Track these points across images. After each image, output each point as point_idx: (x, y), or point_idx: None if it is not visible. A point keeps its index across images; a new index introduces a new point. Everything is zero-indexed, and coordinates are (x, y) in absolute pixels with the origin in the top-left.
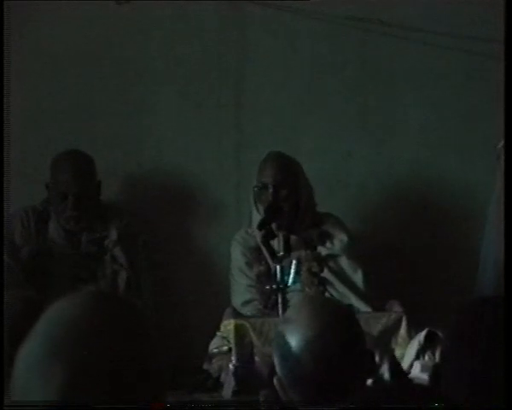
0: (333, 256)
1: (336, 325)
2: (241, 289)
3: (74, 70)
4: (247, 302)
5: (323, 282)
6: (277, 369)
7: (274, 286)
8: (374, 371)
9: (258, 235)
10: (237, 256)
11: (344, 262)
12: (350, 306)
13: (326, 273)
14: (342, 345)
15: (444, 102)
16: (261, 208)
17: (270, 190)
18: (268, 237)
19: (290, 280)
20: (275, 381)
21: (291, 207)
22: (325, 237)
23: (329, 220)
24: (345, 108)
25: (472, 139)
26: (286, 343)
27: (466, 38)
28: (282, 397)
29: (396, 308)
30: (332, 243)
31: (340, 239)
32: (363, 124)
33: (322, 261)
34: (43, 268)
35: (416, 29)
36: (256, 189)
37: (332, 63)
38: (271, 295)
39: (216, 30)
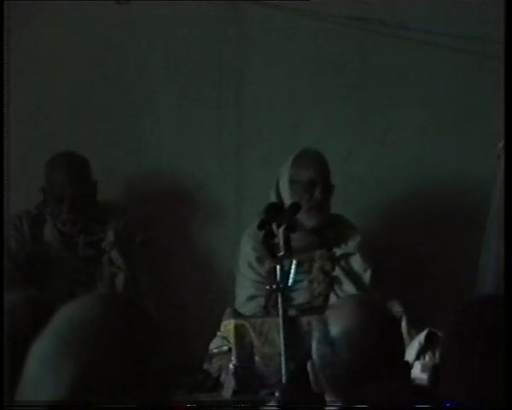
0: (346, 255)
1: (378, 324)
2: (247, 284)
3: (74, 70)
4: (251, 298)
5: (332, 281)
6: (312, 352)
7: (274, 286)
8: (407, 381)
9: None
10: (248, 250)
11: (356, 261)
12: None
13: (336, 272)
14: (379, 342)
15: (444, 102)
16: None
17: (318, 188)
18: (268, 236)
19: (290, 280)
20: (308, 365)
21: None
22: (340, 238)
23: (342, 221)
24: (345, 108)
25: (472, 139)
26: (325, 328)
27: (466, 38)
28: (312, 382)
29: (396, 308)
30: (346, 243)
31: (353, 239)
32: (363, 124)
33: (335, 261)
34: (41, 272)
35: (416, 29)
36: (298, 184)
37: (332, 63)
38: (271, 295)
39: (216, 30)
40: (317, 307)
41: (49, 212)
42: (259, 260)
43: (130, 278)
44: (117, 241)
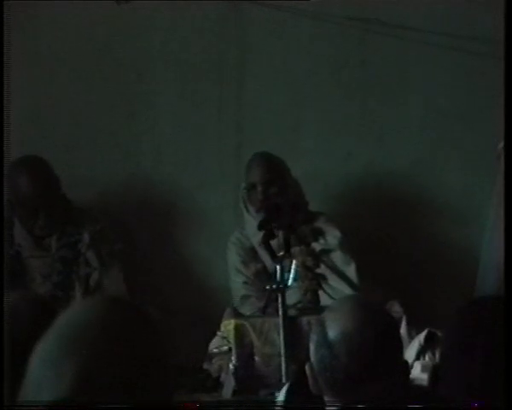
0: (327, 251)
1: (377, 326)
2: (238, 287)
3: (74, 70)
4: (245, 297)
5: (317, 277)
6: (311, 355)
7: (274, 286)
8: (406, 380)
9: (252, 236)
10: (233, 256)
11: (338, 256)
12: None
13: (321, 269)
14: (378, 345)
15: (443, 103)
16: (252, 209)
17: (260, 189)
18: (268, 236)
19: (290, 280)
20: (306, 367)
21: (283, 205)
22: (318, 234)
23: (321, 218)
24: (345, 108)
25: (472, 139)
26: (324, 330)
27: (466, 38)
28: (311, 384)
29: (396, 308)
30: (325, 238)
31: (333, 235)
32: (363, 124)
33: (316, 256)
34: (13, 272)
35: (416, 29)
36: (245, 190)
37: (332, 63)
38: (271, 295)
39: (216, 30)
40: (317, 308)
41: (18, 216)
42: (245, 264)
43: (105, 278)
44: (92, 243)
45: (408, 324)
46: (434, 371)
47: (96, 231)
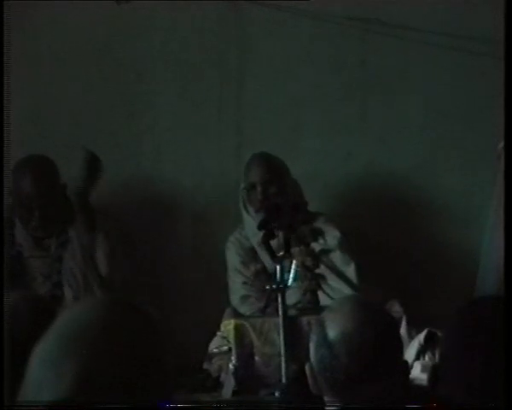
0: (326, 251)
1: (377, 327)
2: (238, 287)
3: (74, 70)
4: (244, 297)
5: (317, 277)
6: (311, 355)
7: (274, 286)
8: (406, 380)
9: (251, 236)
10: (232, 257)
11: (337, 256)
12: None
13: (320, 269)
14: (378, 345)
15: (443, 103)
16: (251, 210)
17: (259, 189)
18: (268, 237)
19: (290, 280)
20: (306, 367)
21: (283, 205)
22: (317, 234)
23: (321, 218)
24: (345, 108)
25: (472, 139)
26: (323, 331)
27: (466, 38)
28: (310, 384)
29: (396, 308)
30: (324, 239)
31: (332, 235)
32: (363, 124)
33: (315, 257)
34: (13, 272)
35: (416, 29)
36: (244, 190)
37: (332, 63)
38: (271, 295)
39: (216, 30)
40: (317, 308)
41: (18, 216)
42: (244, 264)
43: (95, 274)
44: (79, 239)
45: (408, 324)
46: (434, 371)
47: (91, 228)
